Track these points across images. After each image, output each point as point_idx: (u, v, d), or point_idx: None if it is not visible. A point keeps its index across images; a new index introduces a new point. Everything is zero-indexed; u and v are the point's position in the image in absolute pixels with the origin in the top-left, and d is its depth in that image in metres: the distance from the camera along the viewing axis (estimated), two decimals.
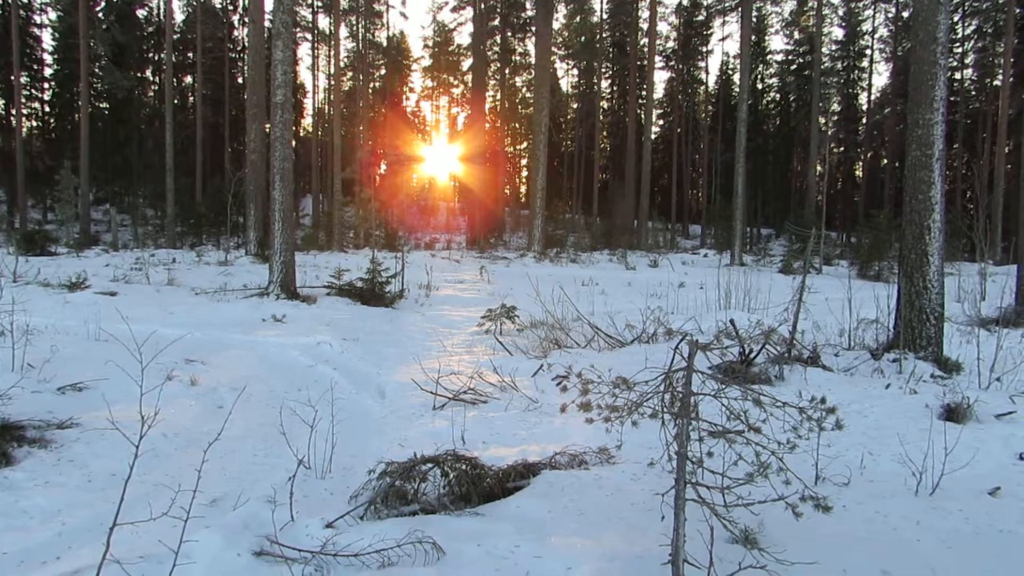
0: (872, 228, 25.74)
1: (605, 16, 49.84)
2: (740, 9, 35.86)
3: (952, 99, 39.78)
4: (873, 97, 50.66)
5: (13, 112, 35.12)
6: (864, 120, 51.25)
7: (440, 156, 54.11)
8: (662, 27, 49.75)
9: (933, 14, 7.76)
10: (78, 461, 4.88)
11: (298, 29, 43.62)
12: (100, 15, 36.08)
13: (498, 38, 46.31)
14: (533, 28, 39.13)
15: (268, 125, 19.66)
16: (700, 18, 50.50)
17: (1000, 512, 4.08)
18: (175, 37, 39.87)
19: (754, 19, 43.53)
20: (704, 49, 52.24)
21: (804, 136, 43.29)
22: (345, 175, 32.73)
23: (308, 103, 51.88)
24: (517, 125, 54.97)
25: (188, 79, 45.42)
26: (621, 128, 49.79)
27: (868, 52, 50.07)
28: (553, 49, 43.99)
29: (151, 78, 45.80)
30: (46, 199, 39.03)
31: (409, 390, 7.31)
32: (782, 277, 20.34)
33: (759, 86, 52.51)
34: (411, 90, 59.19)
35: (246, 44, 34.44)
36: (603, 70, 53.10)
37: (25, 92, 39.66)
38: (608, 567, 3.34)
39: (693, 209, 55.10)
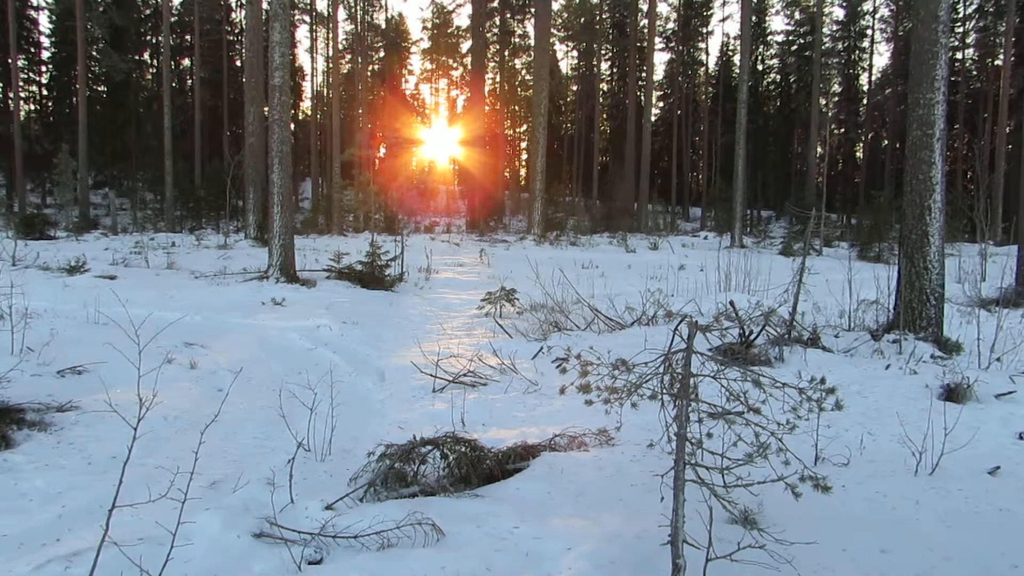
0: (872, 209, 25.71)
1: None
2: None
3: (953, 79, 39.59)
4: (874, 78, 50.46)
5: (11, 95, 34.90)
6: (865, 101, 51.02)
7: (439, 139, 54.01)
8: (662, 8, 49.51)
9: None
10: (77, 444, 4.88)
11: (296, 11, 43.34)
12: None
13: (497, 19, 46.01)
14: (532, 9, 38.83)
15: (266, 108, 19.56)
16: None
17: (1000, 491, 4.09)
18: (172, 19, 39.64)
19: None
20: (704, 30, 51.91)
21: (805, 117, 43.08)
22: (344, 158, 32.62)
23: (307, 86, 51.62)
24: (517, 108, 54.72)
25: (186, 62, 45.16)
26: (621, 110, 49.56)
27: (869, 32, 49.79)
28: (553, 31, 43.75)
29: (149, 61, 45.52)
30: (45, 183, 38.88)
31: (409, 373, 7.31)
32: (782, 259, 20.32)
33: (759, 67, 52.19)
34: (410, 72, 58.98)
35: (244, 26, 34.19)
36: (603, 52, 52.81)
37: (22, 75, 39.37)
38: (607, 548, 3.35)
39: (693, 191, 54.90)
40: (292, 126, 30.21)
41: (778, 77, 53.85)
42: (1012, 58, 34.24)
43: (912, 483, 4.20)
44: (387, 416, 6.07)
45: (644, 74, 39.57)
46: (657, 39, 46.86)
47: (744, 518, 3.52)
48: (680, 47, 51.22)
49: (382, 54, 51.64)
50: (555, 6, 43.18)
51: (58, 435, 4.98)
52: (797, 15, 50.03)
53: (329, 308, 10.78)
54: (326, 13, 42.44)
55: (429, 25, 53.28)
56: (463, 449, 4.31)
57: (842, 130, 52.83)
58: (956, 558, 3.33)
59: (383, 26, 50.89)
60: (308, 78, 51.23)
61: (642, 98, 40.25)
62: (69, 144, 29.50)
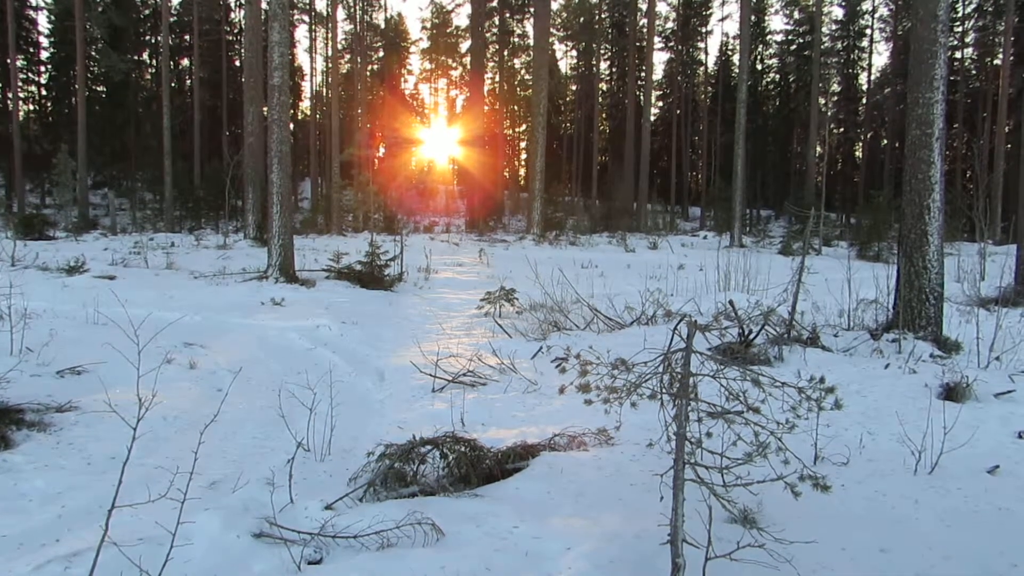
0: (872, 209, 25.72)
1: None
2: None
3: (952, 78, 39.57)
4: (873, 77, 50.46)
5: (9, 96, 34.88)
6: (864, 100, 51.02)
7: (439, 139, 53.94)
8: (661, 7, 49.47)
9: None
10: (77, 444, 4.88)
11: (295, 11, 43.29)
12: None
13: (496, 19, 45.98)
14: (532, 9, 38.82)
15: (266, 108, 19.56)
16: None
17: (999, 490, 4.09)
18: (171, 19, 39.56)
19: None
20: (703, 30, 51.90)
21: (804, 117, 43.09)
22: (343, 158, 32.60)
23: (306, 86, 51.62)
24: (516, 107, 54.67)
25: (185, 62, 45.10)
26: (620, 110, 49.52)
27: (868, 32, 49.81)
28: (552, 30, 43.73)
29: (148, 61, 45.50)
30: (44, 183, 38.86)
31: (408, 373, 7.31)
32: (781, 258, 20.32)
33: (759, 67, 52.19)
34: (409, 72, 58.98)
35: (243, 26, 34.18)
36: (602, 51, 52.77)
37: (21, 76, 39.33)
38: (607, 547, 3.35)
39: (693, 191, 54.90)
40: (291, 126, 30.19)
41: (777, 76, 53.89)
42: (1011, 57, 34.27)
43: (911, 482, 4.20)
44: (387, 416, 6.07)
45: (643, 74, 39.55)
46: (656, 39, 46.87)
47: (744, 517, 3.52)
48: (679, 47, 51.20)
49: (381, 54, 51.64)
50: (554, 6, 43.21)
51: (57, 435, 4.98)
52: (796, 15, 50.05)
53: (328, 308, 10.78)
54: (325, 13, 42.52)
55: (428, 25, 53.32)
56: (462, 449, 4.31)
57: (841, 129, 52.84)
58: (955, 557, 3.33)
59: (382, 26, 50.88)
60: (307, 78, 51.33)
61: (641, 98, 40.25)
62: (68, 144, 29.47)
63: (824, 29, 45.53)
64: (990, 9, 41.22)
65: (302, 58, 50.31)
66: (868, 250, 23.62)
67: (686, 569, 2.89)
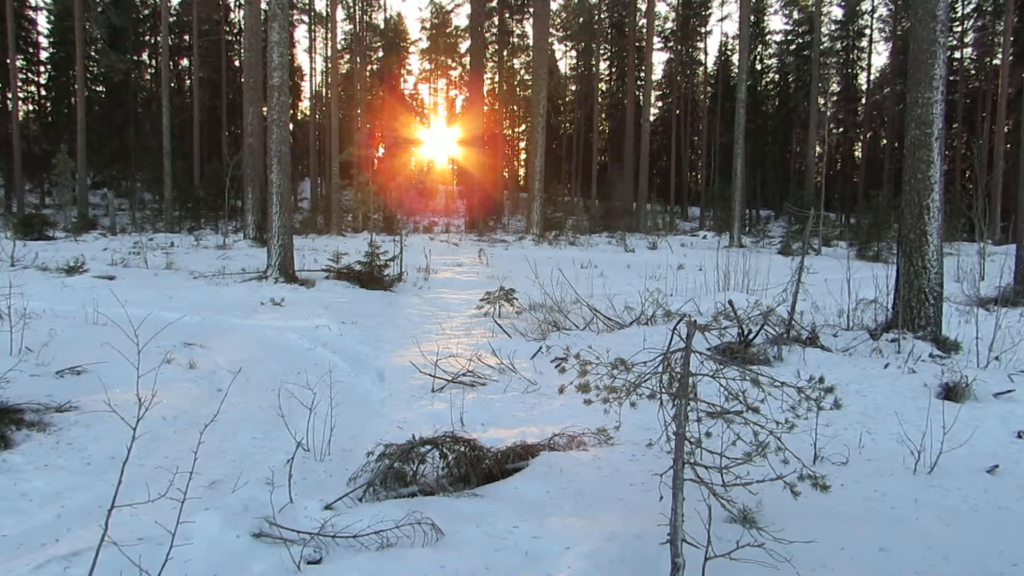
0: (871, 208, 25.75)
1: None
2: None
3: (952, 78, 39.57)
4: (872, 77, 50.46)
5: (9, 96, 34.84)
6: (863, 100, 51.03)
7: (438, 139, 53.94)
8: (660, 8, 49.50)
9: None
10: (77, 444, 4.88)
11: (294, 11, 43.27)
12: None
13: (496, 19, 45.94)
14: (531, 9, 38.82)
15: (265, 108, 19.56)
16: None
17: (998, 490, 4.09)
18: (171, 19, 39.55)
19: None
20: (703, 30, 51.87)
21: (803, 117, 43.13)
22: (343, 158, 32.58)
23: (305, 86, 51.54)
24: (516, 108, 54.65)
25: (185, 62, 45.08)
26: (620, 110, 49.52)
27: (867, 31, 49.82)
28: (551, 30, 43.72)
29: (148, 61, 45.50)
30: (43, 183, 38.90)
31: (408, 373, 7.31)
32: (781, 258, 20.32)
33: (758, 67, 52.19)
34: (409, 72, 58.95)
35: (242, 26, 34.16)
36: (601, 52, 52.73)
37: (21, 76, 39.32)
38: (606, 547, 3.34)
39: (692, 191, 54.91)
40: (291, 126, 30.16)
41: (777, 76, 53.88)
42: (1010, 57, 34.25)
43: (911, 482, 4.20)
44: (386, 416, 6.06)
45: (643, 74, 39.57)
46: (656, 39, 46.88)
47: (743, 517, 3.53)
48: (679, 47, 51.19)
49: (381, 54, 51.61)
50: (554, 6, 43.18)
51: (57, 435, 4.98)
52: (796, 15, 50.05)
53: (328, 308, 10.77)
54: (325, 13, 42.46)
55: (428, 25, 53.26)
56: (462, 449, 4.31)
57: (841, 129, 52.85)
58: (955, 556, 3.33)
59: (382, 26, 50.85)
60: (307, 78, 51.19)
61: (641, 98, 40.26)
62: (68, 144, 29.47)
63: (823, 29, 45.54)
64: (989, 9, 41.23)
65: (302, 58, 50.37)
66: (867, 250, 23.63)
67: (686, 568, 2.89)
